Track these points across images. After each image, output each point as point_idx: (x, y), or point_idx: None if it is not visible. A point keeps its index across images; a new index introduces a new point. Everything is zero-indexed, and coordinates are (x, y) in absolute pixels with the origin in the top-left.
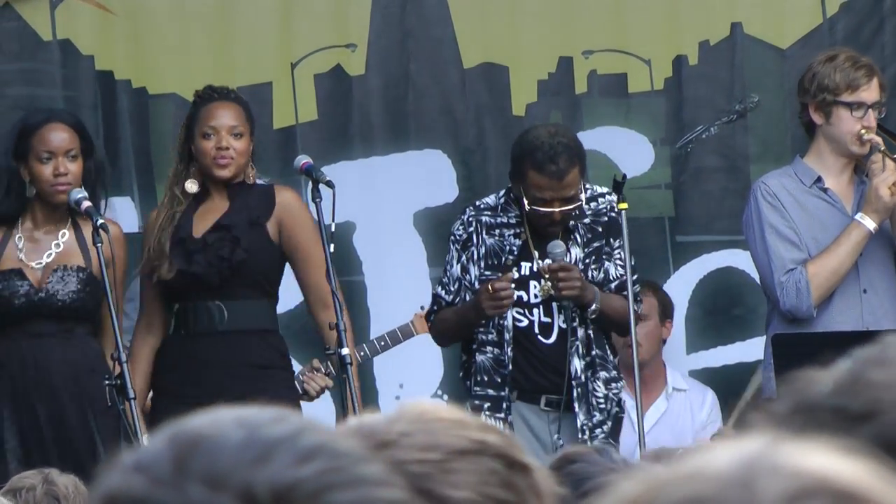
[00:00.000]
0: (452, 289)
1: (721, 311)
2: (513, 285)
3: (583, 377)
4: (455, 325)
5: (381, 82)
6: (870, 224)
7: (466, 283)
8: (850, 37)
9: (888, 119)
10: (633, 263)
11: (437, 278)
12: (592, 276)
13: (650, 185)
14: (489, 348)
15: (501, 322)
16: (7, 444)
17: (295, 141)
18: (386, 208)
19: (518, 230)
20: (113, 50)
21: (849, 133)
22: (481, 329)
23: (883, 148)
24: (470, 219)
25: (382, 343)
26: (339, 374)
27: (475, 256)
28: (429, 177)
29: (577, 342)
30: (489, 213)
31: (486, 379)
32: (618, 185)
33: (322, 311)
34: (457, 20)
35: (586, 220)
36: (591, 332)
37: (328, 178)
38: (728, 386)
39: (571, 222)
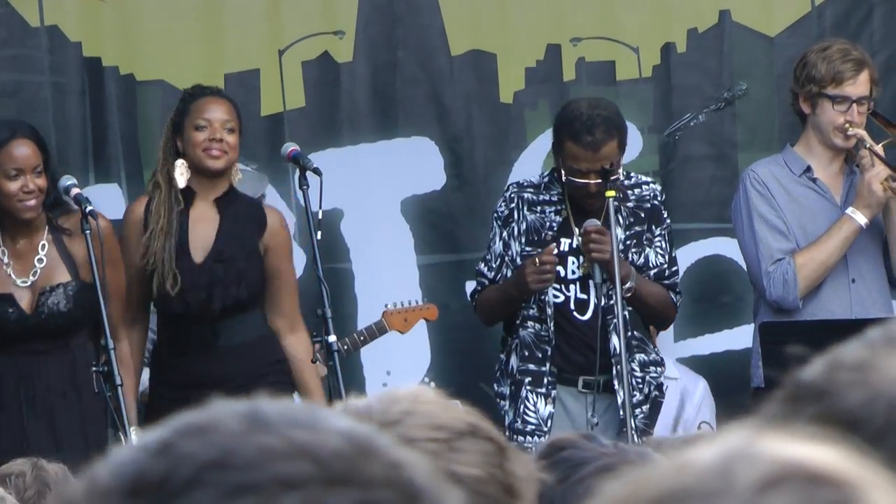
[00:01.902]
0: (494, 265)
1: (709, 298)
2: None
3: (622, 356)
4: (497, 302)
5: (368, 69)
6: (861, 219)
7: (508, 260)
8: (839, 24)
9: (879, 104)
10: (673, 255)
11: (428, 264)
12: (633, 259)
13: (638, 173)
14: (530, 323)
15: (542, 297)
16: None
17: (282, 128)
18: (373, 195)
19: (559, 207)
20: (101, 36)
21: (831, 125)
22: (523, 305)
23: (869, 144)
24: (512, 195)
25: (362, 338)
26: (325, 361)
27: (516, 232)
28: (416, 164)
29: (615, 320)
30: (531, 190)
31: (527, 354)
32: (605, 174)
33: (288, 335)
34: (445, 8)
35: (630, 204)
36: (626, 313)
37: (315, 166)
38: (716, 374)
39: (615, 202)
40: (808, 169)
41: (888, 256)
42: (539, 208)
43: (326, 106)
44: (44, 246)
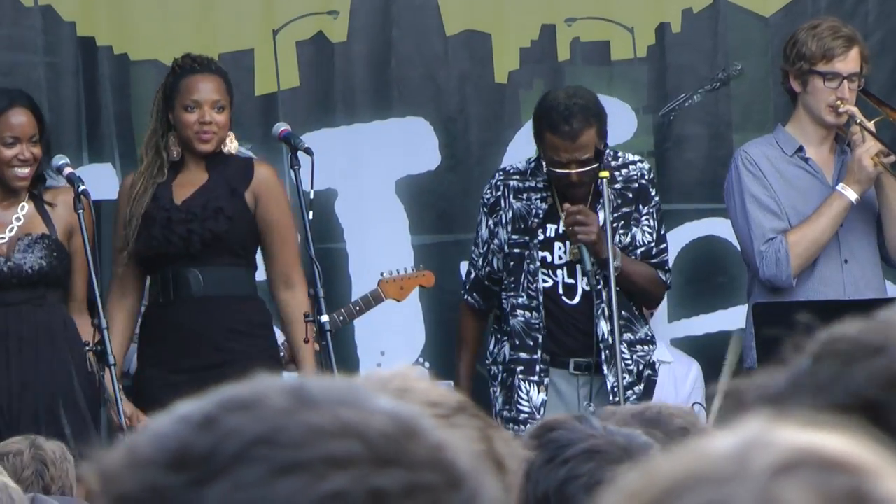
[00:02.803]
0: (481, 251)
1: (703, 279)
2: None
3: (609, 339)
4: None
5: (363, 49)
6: (851, 195)
7: (495, 247)
8: (834, 5)
9: (874, 84)
10: (662, 233)
11: (423, 244)
12: (620, 240)
13: (633, 153)
14: (520, 312)
15: (533, 285)
16: None
17: (276, 108)
18: (368, 176)
19: (545, 194)
20: (94, 16)
21: (822, 102)
22: (511, 293)
23: (860, 120)
24: (498, 183)
25: (358, 308)
26: (318, 340)
27: (503, 220)
28: (411, 144)
29: (603, 304)
30: (518, 177)
31: (518, 343)
32: (599, 154)
33: (283, 290)
34: None
35: (617, 186)
36: (613, 295)
37: (307, 146)
38: (709, 355)
39: (602, 186)
40: (800, 149)
41: (881, 234)
42: (525, 195)
43: (321, 86)
44: (23, 206)
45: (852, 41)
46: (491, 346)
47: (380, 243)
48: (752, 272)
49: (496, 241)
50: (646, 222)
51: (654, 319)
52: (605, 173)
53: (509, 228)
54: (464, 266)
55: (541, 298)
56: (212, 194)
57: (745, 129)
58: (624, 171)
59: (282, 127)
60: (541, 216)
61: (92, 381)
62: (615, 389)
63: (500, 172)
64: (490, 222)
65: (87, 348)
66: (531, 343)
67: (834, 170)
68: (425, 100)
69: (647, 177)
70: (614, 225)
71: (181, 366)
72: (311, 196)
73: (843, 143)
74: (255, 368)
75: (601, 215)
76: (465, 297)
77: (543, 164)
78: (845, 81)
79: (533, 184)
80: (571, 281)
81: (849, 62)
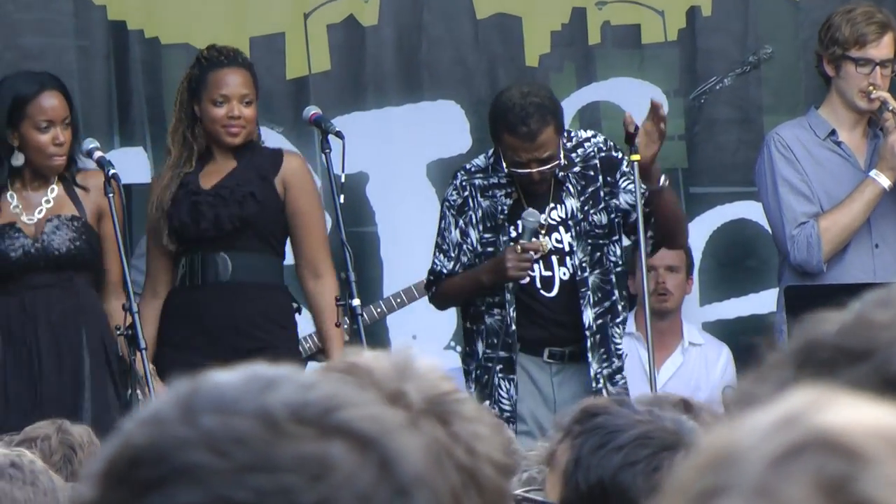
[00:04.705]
0: (453, 255)
1: (734, 263)
2: (546, 245)
3: (595, 326)
4: (463, 290)
5: (394, 33)
6: (884, 181)
7: (468, 248)
8: None
9: None
10: None
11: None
12: (593, 220)
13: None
14: (496, 310)
15: (508, 284)
16: (9, 391)
17: (307, 91)
18: (399, 159)
19: (509, 189)
20: (125, 0)
21: (855, 88)
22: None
23: (892, 107)
24: (463, 183)
25: (399, 300)
26: (350, 324)
27: (473, 220)
28: (442, 127)
29: (588, 292)
30: (480, 175)
31: (495, 341)
32: (630, 137)
33: (311, 280)
34: None
35: (576, 169)
36: (602, 278)
37: (337, 129)
38: (741, 338)
39: (560, 173)
40: (833, 132)
41: None
42: (490, 192)
43: (352, 69)
44: (53, 189)
45: (886, 27)
46: (464, 346)
47: (411, 227)
48: (783, 255)
49: (468, 240)
50: (625, 186)
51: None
52: (636, 157)
53: (480, 228)
54: None
55: (509, 296)
56: (241, 178)
57: (775, 113)
58: (579, 151)
59: (312, 110)
60: (506, 213)
61: (121, 365)
62: (598, 376)
63: (463, 172)
64: (461, 223)
65: (119, 332)
66: (509, 341)
67: (866, 154)
68: (456, 83)
69: (604, 148)
70: (585, 208)
71: (203, 349)
72: (342, 180)
73: (877, 128)
74: (276, 357)
75: (568, 204)
76: (431, 291)
77: (503, 164)
78: (878, 67)
79: (496, 180)
80: (548, 273)
81: (882, 48)
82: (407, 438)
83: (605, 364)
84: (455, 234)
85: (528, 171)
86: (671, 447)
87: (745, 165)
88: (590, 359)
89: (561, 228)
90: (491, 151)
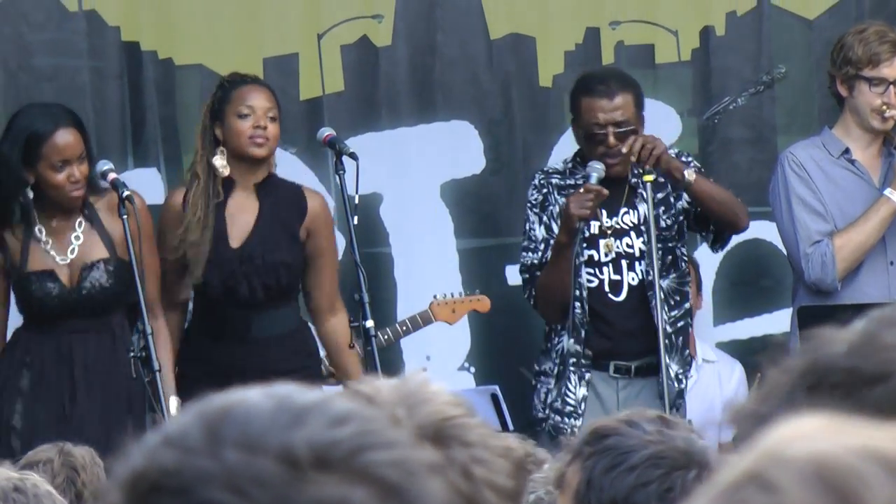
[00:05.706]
0: (540, 248)
1: (748, 282)
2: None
3: (669, 328)
4: (551, 266)
5: (407, 53)
6: None
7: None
8: (879, 7)
9: None
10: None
11: (468, 248)
12: (666, 223)
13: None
14: (577, 304)
15: (577, 279)
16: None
17: (321, 112)
18: (412, 179)
19: None
20: (139, 20)
21: (869, 107)
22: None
23: None
24: (542, 181)
25: (405, 328)
26: (364, 346)
27: (554, 214)
28: (456, 148)
29: (658, 295)
30: (558, 176)
31: (575, 335)
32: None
33: (328, 316)
34: None
35: (651, 177)
36: (679, 281)
37: (351, 150)
38: (754, 358)
39: (633, 179)
40: (847, 151)
41: None
42: (566, 192)
43: (365, 90)
44: (80, 223)
45: None
46: (545, 343)
47: (425, 247)
48: (797, 275)
49: (553, 234)
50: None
51: (700, 323)
52: (649, 177)
53: (559, 223)
54: (509, 270)
55: (583, 293)
56: (268, 235)
57: (789, 132)
58: None
59: (327, 131)
60: None
61: (141, 390)
62: (679, 377)
63: (541, 173)
64: (544, 218)
65: (132, 354)
66: (584, 336)
67: (881, 172)
68: (469, 103)
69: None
70: (661, 208)
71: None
72: (356, 200)
73: (891, 146)
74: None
75: (641, 209)
76: (529, 290)
77: (577, 158)
78: (892, 86)
79: (572, 182)
80: (617, 277)
81: (895, 68)
82: (431, 483)
83: (686, 367)
84: (540, 230)
85: (605, 132)
86: (683, 467)
87: (759, 185)
88: (667, 361)
89: (632, 233)
90: (569, 158)
